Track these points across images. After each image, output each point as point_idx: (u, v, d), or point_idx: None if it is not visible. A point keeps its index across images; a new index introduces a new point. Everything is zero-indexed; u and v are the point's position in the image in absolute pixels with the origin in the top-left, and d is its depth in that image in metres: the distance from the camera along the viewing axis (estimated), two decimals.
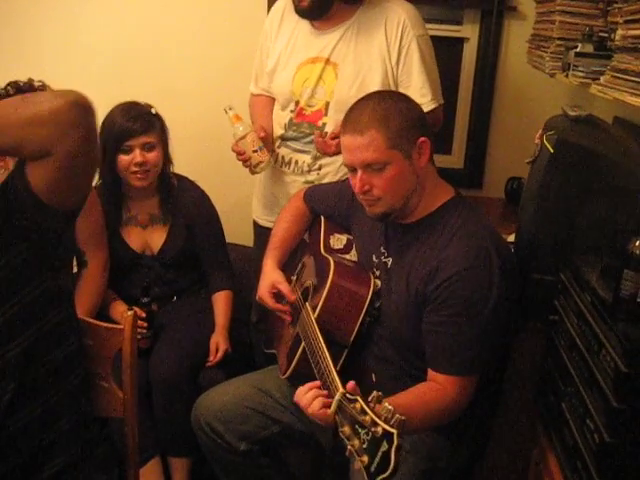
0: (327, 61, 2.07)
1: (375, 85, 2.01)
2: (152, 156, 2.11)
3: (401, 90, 2.01)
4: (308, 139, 2.12)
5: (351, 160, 1.54)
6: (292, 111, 2.15)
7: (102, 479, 1.46)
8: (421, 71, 2.04)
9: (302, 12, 2.04)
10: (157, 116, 2.16)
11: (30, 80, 1.73)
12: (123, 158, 2.08)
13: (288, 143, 2.17)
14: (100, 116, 2.08)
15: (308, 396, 1.35)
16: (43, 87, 1.72)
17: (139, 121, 2.08)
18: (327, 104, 2.09)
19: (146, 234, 2.23)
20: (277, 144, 2.20)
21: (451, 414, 1.49)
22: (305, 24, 2.10)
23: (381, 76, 2.03)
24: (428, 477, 1.57)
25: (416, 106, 1.59)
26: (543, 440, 1.54)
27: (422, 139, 1.53)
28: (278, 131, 2.20)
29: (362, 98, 1.60)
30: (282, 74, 2.15)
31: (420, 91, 2.01)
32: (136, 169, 2.08)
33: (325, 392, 1.34)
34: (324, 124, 2.10)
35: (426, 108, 1.92)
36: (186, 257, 2.26)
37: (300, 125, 2.13)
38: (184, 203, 2.23)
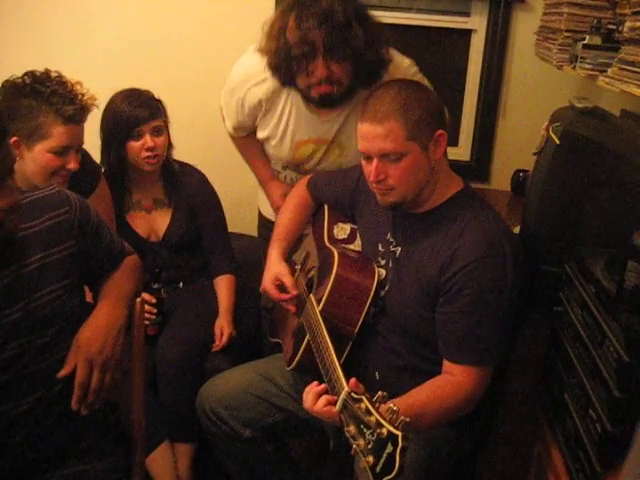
0: (331, 142, 2.05)
1: None
2: (161, 140, 2.15)
3: None
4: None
5: (368, 148, 1.53)
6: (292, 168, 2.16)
7: (110, 461, 1.49)
8: None
9: (324, 102, 1.89)
10: (160, 101, 2.19)
11: (47, 70, 1.75)
12: (134, 144, 2.11)
13: (295, 169, 2.17)
14: (102, 104, 2.11)
15: (311, 396, 1.35)
16: (60, 77, 1.74)
17: (147, 107, 2.12)
18: None
19: (150, 219, 2.27)
20: (282, 169, 2.20)
21: (467, 406, 1.50)
22: (299, 103, 1.98)
23: None
24: (430, 466, 1.58)
25: (435, 98, 1.58)
26: (546, 430, 1.55)
27: (440, 132, 1.53)
28: (277, 166, 2.21)
29: (382, 86, 1.59)
30: (279, 147, 2.10)
31: None
32: (147, 154, 2.12)
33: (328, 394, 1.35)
34: None
35: None
36: (190, 240, 2.29)
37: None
38: (186, 187, 2.27)
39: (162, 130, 2.16)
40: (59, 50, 2.78)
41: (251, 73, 2.01)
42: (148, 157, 2.13)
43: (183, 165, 2.31)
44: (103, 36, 2.83)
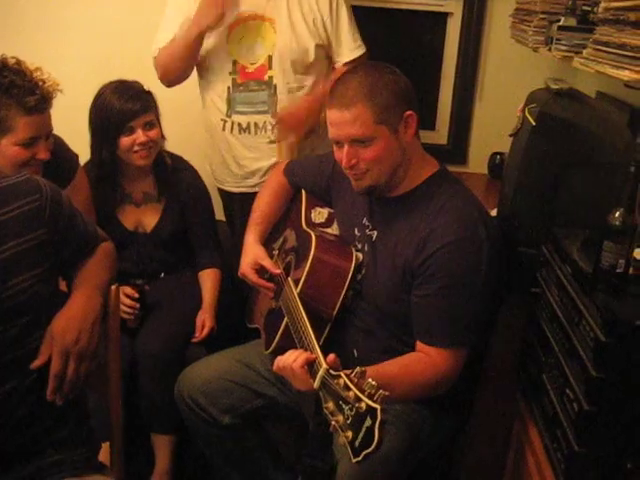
0: (262, 18, 2.14)
1: (311, 38, 2.18)
2: (153, 133, 2.11)
3: (332, 38, 2.19)
4: (259, 99, 2.18)
5: (337, 135, 1.53)
6: (231, 72, 2.18)
7: (87, 450, 1.47)
8: (348, 21, 2.21)
9: None
10: (150, 93, 2.14)
11: (4, 58, 1.66)
12: (125, 139, 2.07)
13: (239, 109, 2.21)
14: (83, 91, 2.07)
15: (294, 354, 1.35)
16: (18, 65, 1.67)
17: (138, 101, 2.07)
18: (270, 57, 2.16)
19: (140, 212, 2.23)
20: (226, 116, 2.24)
21: (439, 386, 1.51)
22: None
23: (313, 28, 2.17)
24: (410, 448, 1.59)
25: (402, 79, 1.57)
26: (524, 410, 1.56)
27: (408, 112, 1.52)
28: (221, 106, 2.23)
29: (348, 71, 1.59)
30: (212, 35, 2.15)
31: (353, 36, 2.23)
32: (139, 148, 2.08)
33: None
34: (270, 77, 2.17)
35: (357, 53, 2.21)
36: (179, 235, 2.27)
37: (247, 84, 2.18)
38: (178, 182, 2.24)
39: (154, 123, 2.11)
40: (35, 36, 2.74)
41: None
42: (138, 151, 2.09)
43: (175, 158, 2.27)
44: (79, 22, 2.78)
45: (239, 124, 2.23)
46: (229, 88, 2.20)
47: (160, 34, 2.22)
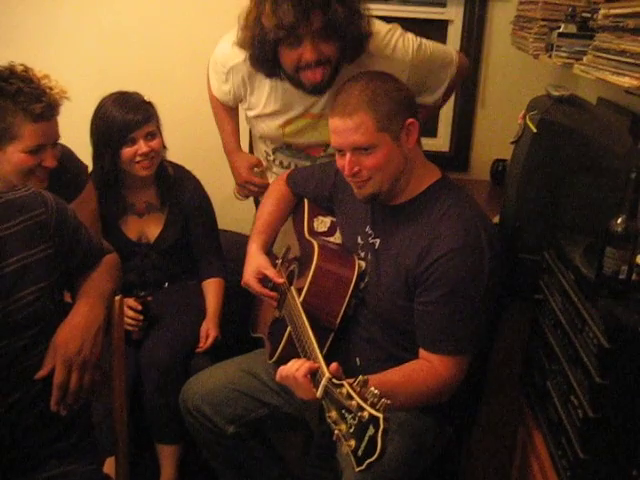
0: (320, 116, 2.01)
1: None
2: (155, 144, 2.12)
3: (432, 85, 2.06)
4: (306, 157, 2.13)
5: (340, 143, 1.54)
6: (286, 147, 2.14)
7: (91, 463, 1.47)
8: (435, 62, 2.03)
9: (316, 90, 1.88)
10: (150, 103, 2.15)
11: (11, 65, 1.66)
12: (127, 150, 2.08)
13: (286, 151, 2.16)
14: (85, 101, 2.08)
15: (297, 363, 1.35)
16: (25, 72, 1.68)
17: (139, 112, 2.08)
18: (326, 144, 2.04)
19: (143, 222, 2.24)
20: (271, 153, 2.19)
21: (442, 394, 1.51)
22: (283, 82, 1.95)
23: None
24: (415, 456, 1.59)
25: (404, 86, 1.58)
26: (528, 417, 1.56)
27: (410, 120, 1.53)
28: (267, 149, 2.19)
29: (350, 80, 1.59)
30: (268, 125, 2.08)
31: (443, 62, 2.05)
32: (141, 159, 2.09)
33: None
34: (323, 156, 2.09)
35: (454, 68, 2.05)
36: (182, 245, 2.27)
37: (298, 153, 2.13)
38: (180, 192, 2.25)
39: (155, 134, 2.13)
40: (38, 45, 2.76)
41: (230, 56, 2.01)
42: (141, 162, 2.10)
43: (177, 168, 2.28)
44: (82, 31, 2.81)
45: (281, 161, 2.20)
46: (280, 147, 2.16)
47: (212, 79, 2.18)
